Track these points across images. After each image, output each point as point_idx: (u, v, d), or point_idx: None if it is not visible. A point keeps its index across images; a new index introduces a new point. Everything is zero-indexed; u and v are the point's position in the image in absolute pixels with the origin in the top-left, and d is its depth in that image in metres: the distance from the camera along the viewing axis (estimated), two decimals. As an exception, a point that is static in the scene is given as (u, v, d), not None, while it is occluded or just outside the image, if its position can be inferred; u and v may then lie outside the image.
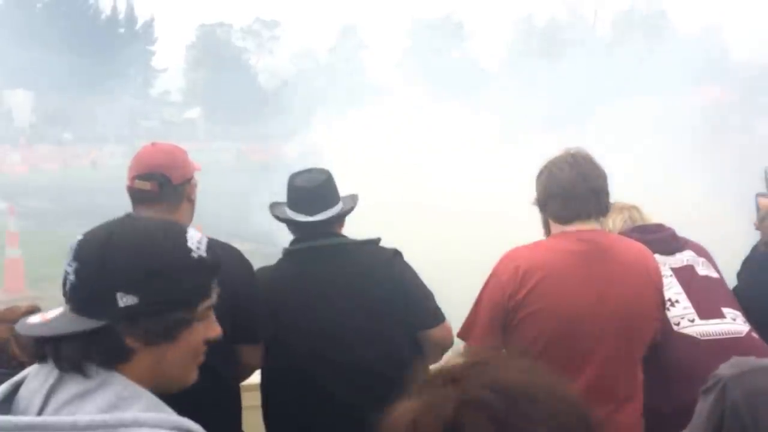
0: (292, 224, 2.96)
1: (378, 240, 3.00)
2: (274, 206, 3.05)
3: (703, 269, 2.81)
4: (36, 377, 1.51)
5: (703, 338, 2.63)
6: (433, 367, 1.24)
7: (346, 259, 2.91)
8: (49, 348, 1.48)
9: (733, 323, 2.68)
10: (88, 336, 1.45)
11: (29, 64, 41.32)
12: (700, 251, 2.89)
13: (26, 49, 40.65)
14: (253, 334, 2.72)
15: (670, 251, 2.83)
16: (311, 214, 2.89)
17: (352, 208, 3.01)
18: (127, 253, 1.50)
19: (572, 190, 2.58)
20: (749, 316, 2.74)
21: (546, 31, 55.38)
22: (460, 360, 1.12)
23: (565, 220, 2.63)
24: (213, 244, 2.26)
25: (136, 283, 1.48)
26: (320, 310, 2.84)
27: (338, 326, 2.82)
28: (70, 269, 1.50)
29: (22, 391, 1.51)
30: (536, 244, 2.71)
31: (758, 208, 3.20)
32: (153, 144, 2.80)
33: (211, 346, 1.92)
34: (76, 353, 1.45)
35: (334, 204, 2.95)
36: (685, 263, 2.81)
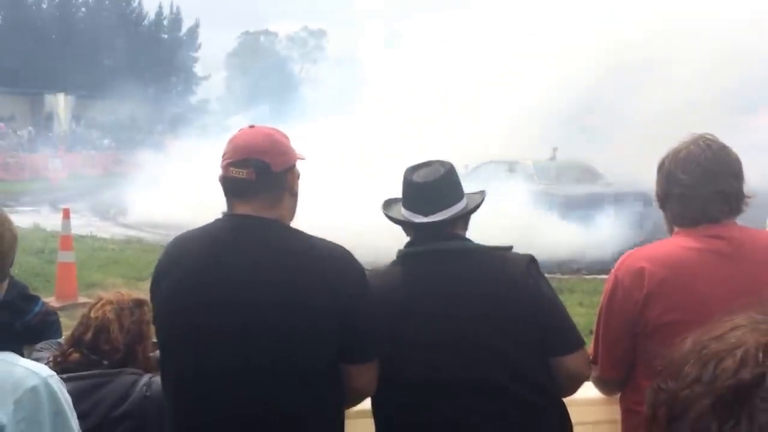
0: (406, 226, 2.60)
1: (510, 247, 2.59)
2: (388, 205, 2.67)
3: None
4: None
5: None
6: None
7: (473, 266, 2.51)
8: None
9: None
10: None
11: (71, 68, 41.17)
12: None
13: (67, 54, 40.48)
14: (363, 351, 2.34)
15: None
16: (429, 214, 2.50)
17: (478, 206, 2.61)
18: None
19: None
20: None
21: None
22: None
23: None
24: (319, 243, 2.25)
25: None
26: (441, 321, 2.44)
27: (461, 340, 2.42)
28: None
29: None
30: (657, 243, 2.53)
31: None
32: (251, 126, 2.41)
33: (313, 368, 2.14)
34: None
35: (457, 201, 2.56)
36: None
